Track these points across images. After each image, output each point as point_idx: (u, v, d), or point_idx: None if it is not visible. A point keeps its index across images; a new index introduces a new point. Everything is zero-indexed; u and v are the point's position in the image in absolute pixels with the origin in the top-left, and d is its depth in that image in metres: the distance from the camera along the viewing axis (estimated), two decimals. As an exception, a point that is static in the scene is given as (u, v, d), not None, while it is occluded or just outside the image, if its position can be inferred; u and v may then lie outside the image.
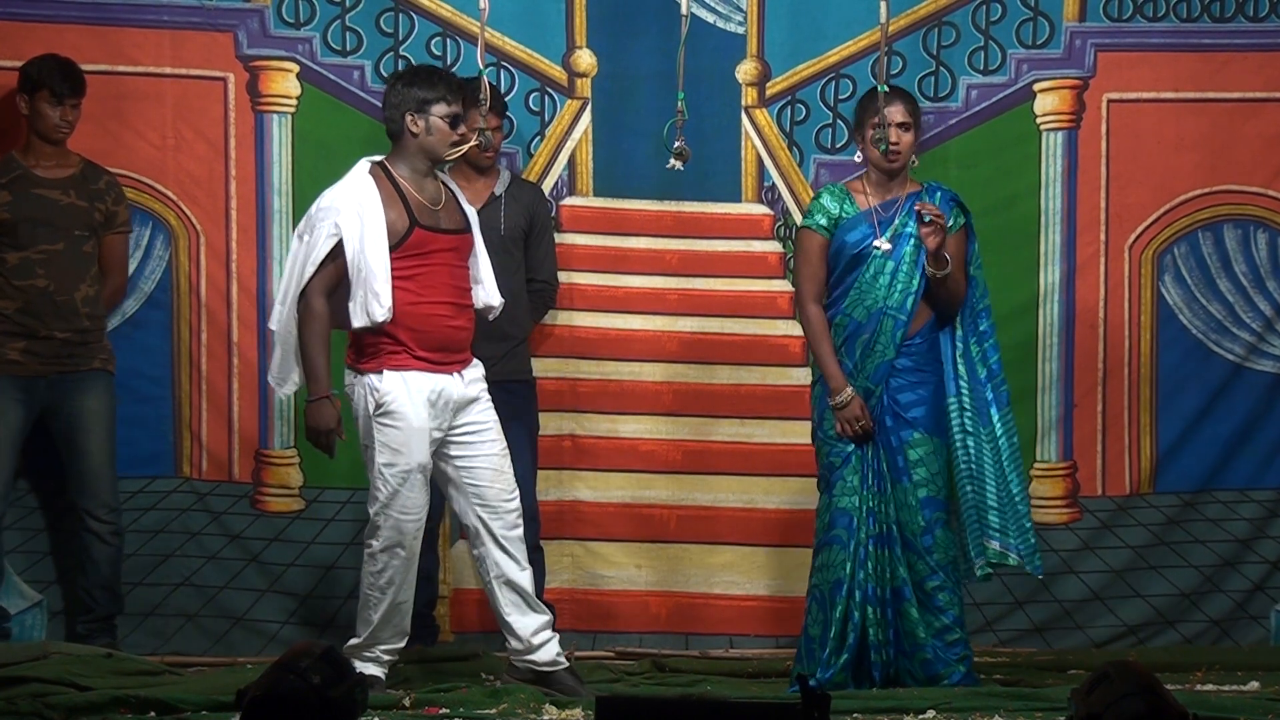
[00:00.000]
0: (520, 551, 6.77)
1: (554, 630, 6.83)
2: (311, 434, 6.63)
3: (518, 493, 6.81)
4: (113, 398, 7.48)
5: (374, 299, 6.53)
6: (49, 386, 7.38)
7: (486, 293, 6.84)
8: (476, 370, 6.77)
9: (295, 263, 6.64)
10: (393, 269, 6.56)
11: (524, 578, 6.76)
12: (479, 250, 6.84)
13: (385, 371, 6.59)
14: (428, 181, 6.74)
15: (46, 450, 7.50)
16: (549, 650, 6.77)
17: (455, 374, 6.69)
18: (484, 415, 6.76)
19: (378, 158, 6.75)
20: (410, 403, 6.59)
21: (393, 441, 6.59)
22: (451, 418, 6.67)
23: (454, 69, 7.58)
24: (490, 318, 6.90)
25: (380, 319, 6.53)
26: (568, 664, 6.82)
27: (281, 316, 6.68)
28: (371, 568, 6.67)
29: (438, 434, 6.65)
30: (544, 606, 6.87)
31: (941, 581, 6.83)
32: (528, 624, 6.76)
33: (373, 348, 6.60)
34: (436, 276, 6.66)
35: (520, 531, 6.79)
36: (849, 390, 6.83)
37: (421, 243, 6.63)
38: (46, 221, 7.38)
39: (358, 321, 6.56)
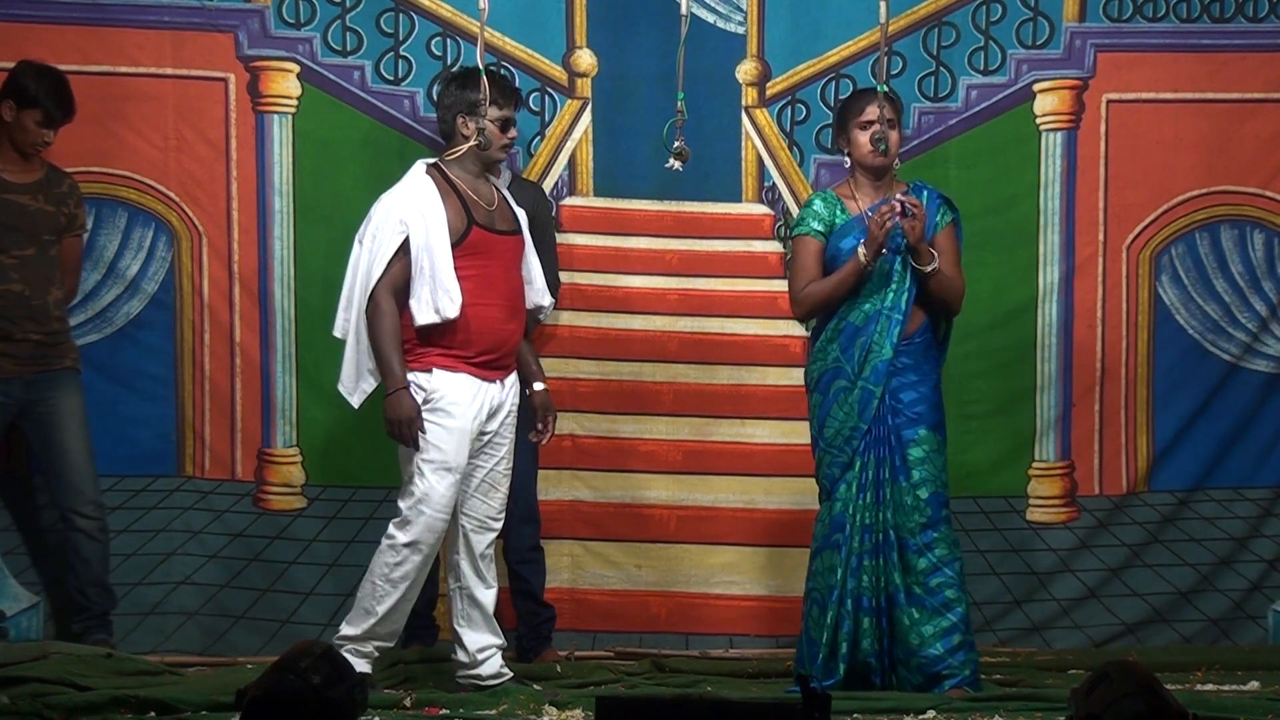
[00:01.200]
0: (489, 571, 6.82)
1: (503, 651, 6.88)
2: (392, 426, 6.59)
3: (503, 516, 6.85)
4: (83, 395, 7.48)
5: (444, 294, 6.57)
6: (25, 388, 7.39)
7: (537, 293, 6.92)
8: (513, 378, 6.82)
9: (359, 266, 6.65)
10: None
11: (488, 596, 6.80)
12: (529, 250, 6.89)
13: (435, 370, 6.61)
14: (481, 183, 6.80)
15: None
16: (492, 665, 6.81)
17: (498, 382, 6.73)
18: (506, 429, 6.80)
19: (431, 160, 6.78)
20: (459, 403, 6.62)
21: (435, 439, 6.61)
22: (484, 424, 6.71)
23: (453, 69, 7.58)
24: (541, 317, 6.99)
25: (451, 314, 6.57)
26: (511, 674, 6.85)
27: (348, 321, 6.69)
28: (390, 559, 6.69)
29: (474, 440, 6.69)
30: (500, 630, 6.88)
31: (945, 578, 6.77)
32: (478, 640, 6.79)
33: (425, 346, 6.63)
34: (493, 278, 6.70)
35: (492, 552, 6.84)
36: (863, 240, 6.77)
37: (479, 242, 6.68)
38: (17, 226, 7.37)
39: (423, 319, 6.58)
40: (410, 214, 6.62)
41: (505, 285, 6.75)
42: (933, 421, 6.85)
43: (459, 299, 6.58)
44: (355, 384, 6.73)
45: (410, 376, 6.62)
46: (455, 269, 6.61)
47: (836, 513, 6.87)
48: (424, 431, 6.59)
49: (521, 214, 6.96)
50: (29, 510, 7.67)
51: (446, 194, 6.69)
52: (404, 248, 6.60)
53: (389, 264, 6.59)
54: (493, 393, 6.72)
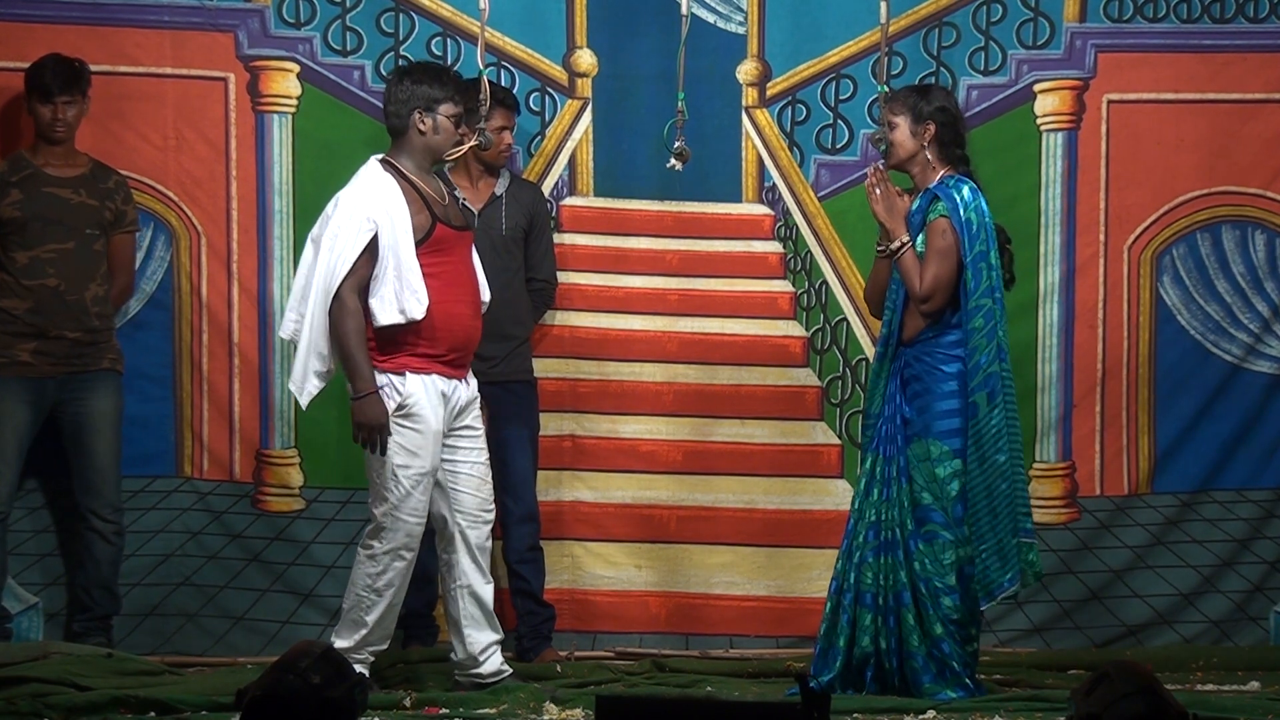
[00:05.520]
0: (487, 564, 6.79)
1: (500, 648, 6.86)
2: (362, 431, 6.51)
3: (494, 507, 6.83)
4: (121, 398, 7.49)
5: (411, 295, 6.51)
6: (58, 387, 7.39)
7: (481, 289, 6.84)
8: (473, 377, 6.79)
9: (317, 265, 6.56)
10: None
11: (488, 591, 6.77)
12: (473, 248, 6.85)
13: (408, 373, 6.58)
14: (431, 179, 6.75)
15: (49, 450, 7.51)
16: (492, 663, 6.79)
17: (463, 380, 6.70)
18: (477, 422, 6.78)
19: (381, 156, 6.74)
20: (430, 406, 6.58)
21: (410, 444, 6.57)
22: (453, 421, 6.69)
23: (455, 69, 7.57)
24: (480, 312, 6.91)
25: (418, 315, 6.51)
26: (511, 671, 6.83)
27: (296, 322, 6.62)
28: (372, 569, 6.65)
29: (445, 439, 6.67)
30: (499, 625, 6.86)
31: (929, 591, 6.69)
32: (480, 639, 6.77)
33: (394, 347, 6.58)
34: (456, 274, 6.66)
35: (489, 544, 6.80)
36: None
37: (442, 240, 6.64)
38: (57, 220, 7.38)
39: (387, 318, 6.52)
40: (377, 212, 6.54)
41: (468, 282, 6.72)
42: (935, 433, 6.71)
43: (426, 299, 6.52)
44: (303, 384, 6.63)
45: (383, 379, 6.56)
46: (421, 267, 6.56)
47: (852, 507, 6.85)
48: (392, 435, 6.54)
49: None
50: (47, 506, 7.68)
51: (407, 192, 6.63)
52: (371, 246, 6.53)
53: (355, 263, 6.51)
54: (461, 390, 6.69)
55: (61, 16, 7.71)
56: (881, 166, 6.83)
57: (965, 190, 6.72)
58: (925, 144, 6.76)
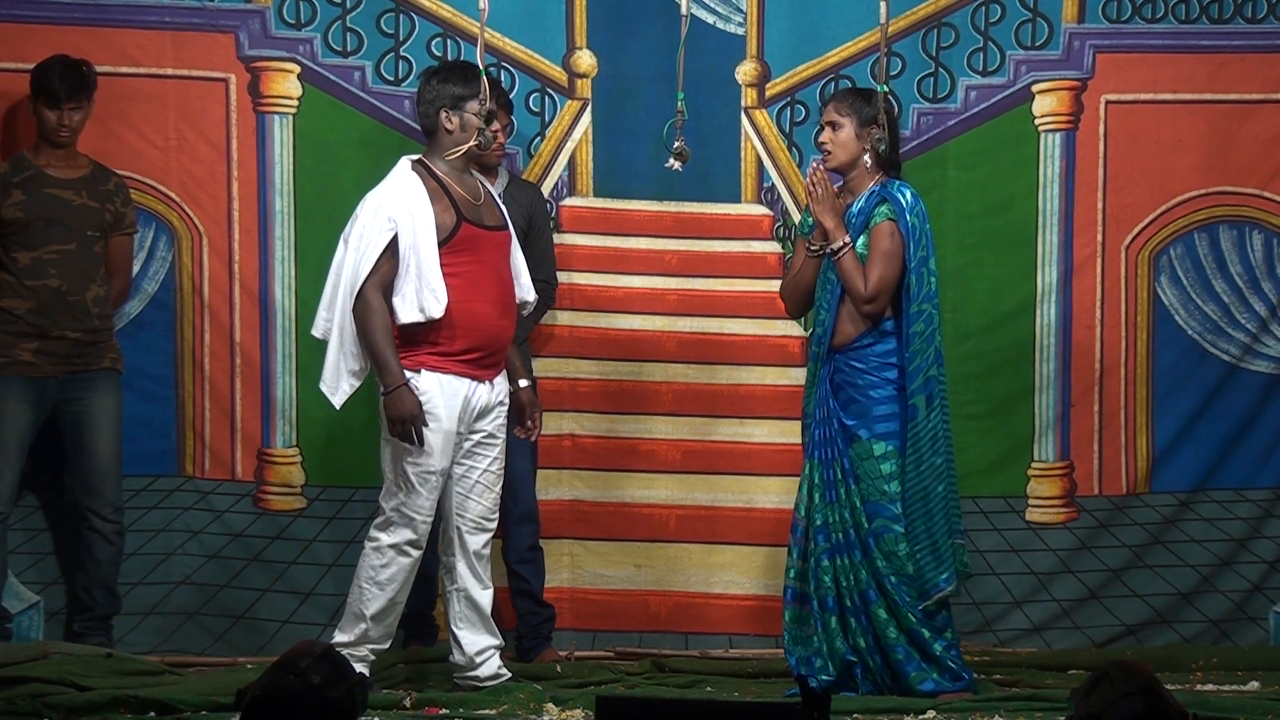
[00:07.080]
0: (485, 571, 6.80)
1: (500, 653, 6.87)
2: (395, 424, 6.53)
3: (498, 515, 6.84)
4: (121, 397, 7.50)
5: (430, 293, 6.54)
6: (59, 386, 7.40)
7: (522, 288, 6.87)
8: (503, 380, 6.80)
9: (344, 265, 6.60)
10: (441, 265, 6.58)
11: (485, 597, 6.78)
12: (514, 246, 6.87)
13: (424, 371, 6.59)
14: (466, 178, 6.77)
15: (49, 450, 7.52)
16: (490, 666, 6.80)
17: (488, 382, 6.71)
18: (498, 429, 6.78)
19: (415, 156, 6.77)
20: (445, 406, 6.60)
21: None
22: (473, 423, 6.70)
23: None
24: (524, 313, 6.93)
25: (436, 314, 6.53)
26: (510, 675, 6.84)
27: (328, 321, 6.64)
28: (376, 561, 6.67)
29: (461, 441, 6.68)
30: (497, 630, 6.87)
31: (895, 584, 6.75)
32: (476, 641, 6.78)
33: (414, 344, 6.60)
34: (483, 274, 6.67)
35: (488, 551, 6.82)
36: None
37: (469, 238, 6.65)
38: (59, 221, 7.39)
39: (407, 317, 6.55)
40: (398, 212, 6.58)
41: (496, 281, 6.73)
42: (877, 433, 6.78)
43: (445, 298, 6.55)
44: (336, 384, 6.67)
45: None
46: (444, 266, 6.57)
47: (796, 513, 6.90)
48: (428, 425, 6.56)
49: (504, 208, 6.95)
50: (44, 506, 7.69)
51: (434, 191, 6.65)
52: (392, 246, 6.57)
53: (377, 262, 6.55)
54: (482, 393, 6.70)
55: (62, 17, 7.71)
56: (822, 167, 6.88)
57: (908, 194, 6.83)
58: (868, 148, 6.82)
